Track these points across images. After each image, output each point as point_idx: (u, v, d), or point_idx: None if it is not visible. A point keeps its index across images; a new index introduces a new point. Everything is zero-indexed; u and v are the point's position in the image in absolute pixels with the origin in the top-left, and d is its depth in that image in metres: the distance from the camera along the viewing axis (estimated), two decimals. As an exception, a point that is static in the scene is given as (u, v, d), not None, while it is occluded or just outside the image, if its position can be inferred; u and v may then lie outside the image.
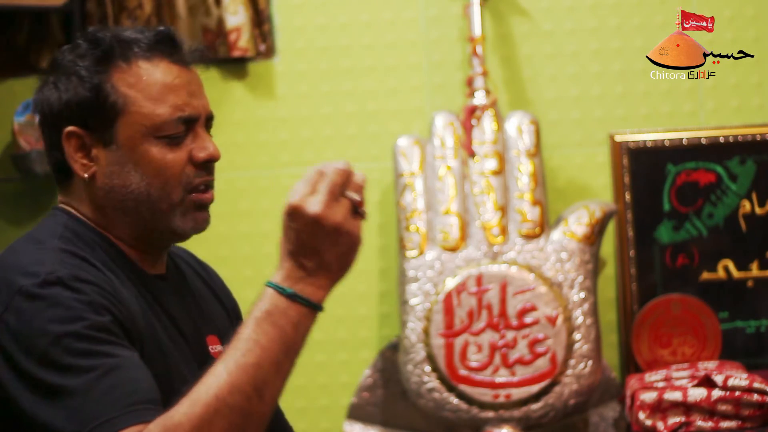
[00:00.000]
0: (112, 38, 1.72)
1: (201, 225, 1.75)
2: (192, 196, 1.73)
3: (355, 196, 1.57)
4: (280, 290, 1.55)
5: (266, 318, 1.54)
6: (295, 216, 1.54)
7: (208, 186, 1.75)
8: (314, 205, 1.54)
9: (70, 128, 1.71)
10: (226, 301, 1.93)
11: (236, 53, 3.43)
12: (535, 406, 3.23)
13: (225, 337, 1.82)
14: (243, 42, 3.43)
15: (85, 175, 1.72)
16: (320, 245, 1.55)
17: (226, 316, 1.90)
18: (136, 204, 1.71)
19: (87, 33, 1.75)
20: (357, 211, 1.58)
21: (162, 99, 1.71)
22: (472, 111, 3.35)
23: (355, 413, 3.46)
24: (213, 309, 1.87)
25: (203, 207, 1.75)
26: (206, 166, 1.74)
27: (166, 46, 1.73)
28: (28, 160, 3.40)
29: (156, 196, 1.71)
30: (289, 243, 1.55)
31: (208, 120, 1.77)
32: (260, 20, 3.50)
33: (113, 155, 1.71)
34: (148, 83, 1.71)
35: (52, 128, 1.73)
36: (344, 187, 1.56)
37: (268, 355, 1.52)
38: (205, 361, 1.76)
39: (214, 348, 1.80)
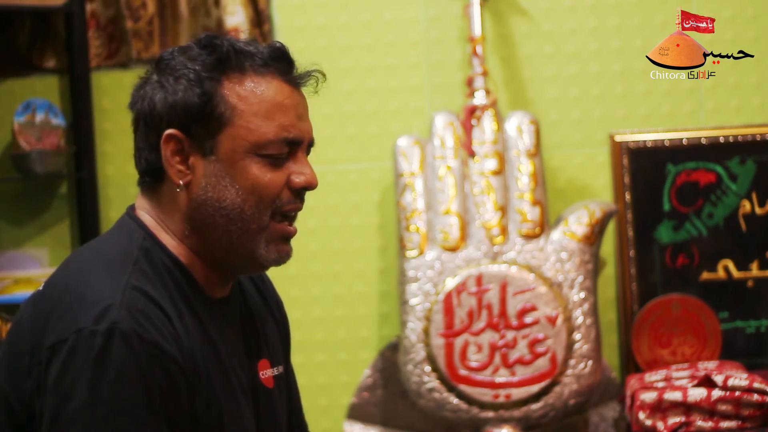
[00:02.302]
0: (229, 46, 1.67)
1: (284, 257, 1.70)
2: (278, 226, 1.68)
3: None
4: None
5: None
6: None
7: (294, 217, 1.70)
8: None
9: (171, 131, 1.64)
10: (277, 314, 1.89)
11: None
12: (535, 406, 3.23)
13: (276, 358, 1.82)
14: None
15: (180, 182, 1.65)
16: None
17: (278, 332, 1.87)
18: (226, 221, 1.66)
19: (202, 37, 1.69)
20: None
21: (270, 117, 1.65)
22: (472, 111, 3.35)
23: (355, 413, 3.46)
24: (267, 327, 1.84)
25: (287, 239, 1.70)
26: (300, 192, 1.69)
27: (280, 64, 1.68)
28: (28, 160, 3.40)
29: (249, 215, 1.65)
30: None
31: (309, 145, 1.72)
32: (260, 20, 3.50)
33: (211, 166, 1.65)
34: (259, 99, 1.65)
35: (151, 128, 1.66)
36: None
37: None
38: (256, 387, 1.76)
39: (264, 374, 1.78)
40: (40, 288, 1.67)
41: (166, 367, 1.57)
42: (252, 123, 1.65)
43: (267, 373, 1.79)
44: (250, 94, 1.65)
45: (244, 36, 1.76)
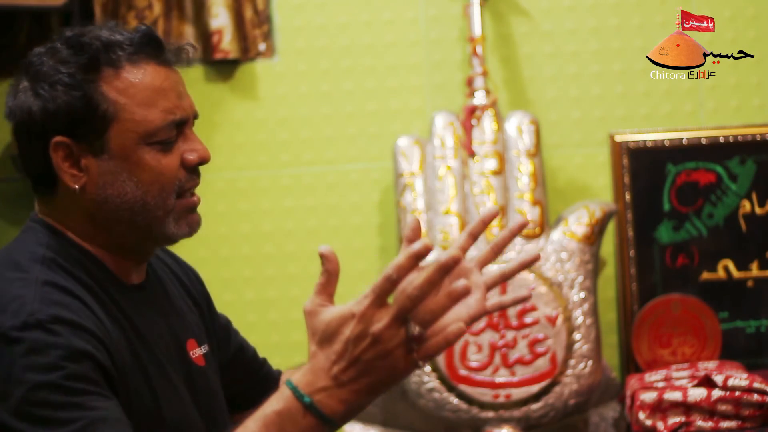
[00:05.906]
0: (98, 43, 1.66)
1: (195, 228, 1.73)
2: (182, 201, 1.70)
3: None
4: (297, 395, 1.44)
5: (275, 420, 1.44)
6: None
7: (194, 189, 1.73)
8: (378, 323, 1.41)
9: (57, 138, 1.64)
10: (200, 299, 1.91)
11: (218, 55, 3.42)
12: (535, 406, 3.23)
13: (200, 337, 1.83)
14: (225, 44, 3.43)
15: (76, 186, 1.66)
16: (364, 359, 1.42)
17: (200, 317, 1.88)
18: (131, 213, 1.67)
19: (68, 37, 1.68)
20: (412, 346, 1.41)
21: (153, 104, 1.66)
22: (472, 111, 3.35)
23: (355, 413, 3.46)
24: (188, 311, 1.85)
25: (194, 210, 1.72)
26: (195, 168, 1.71)
27: (151, 48, 1.68)
28: (28, 160, 3.39)
29: (153, 204, 1.67)
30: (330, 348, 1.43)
31: (194, 118, 1.73)
32: (260, 20, 3.50)
33: (106, 164, 1.66)
34: (138, 88, 1.65)
35: (33, 138, 1.66)
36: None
37: None
38: (189, 367, 1.76)
39: (194, 352, 1.79)
40: None
41: (92, 341, 1.55)
42: (137, 114, 1.65)
43: (196, 352, 1.79)
44: (129, 86, 1.65)
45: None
